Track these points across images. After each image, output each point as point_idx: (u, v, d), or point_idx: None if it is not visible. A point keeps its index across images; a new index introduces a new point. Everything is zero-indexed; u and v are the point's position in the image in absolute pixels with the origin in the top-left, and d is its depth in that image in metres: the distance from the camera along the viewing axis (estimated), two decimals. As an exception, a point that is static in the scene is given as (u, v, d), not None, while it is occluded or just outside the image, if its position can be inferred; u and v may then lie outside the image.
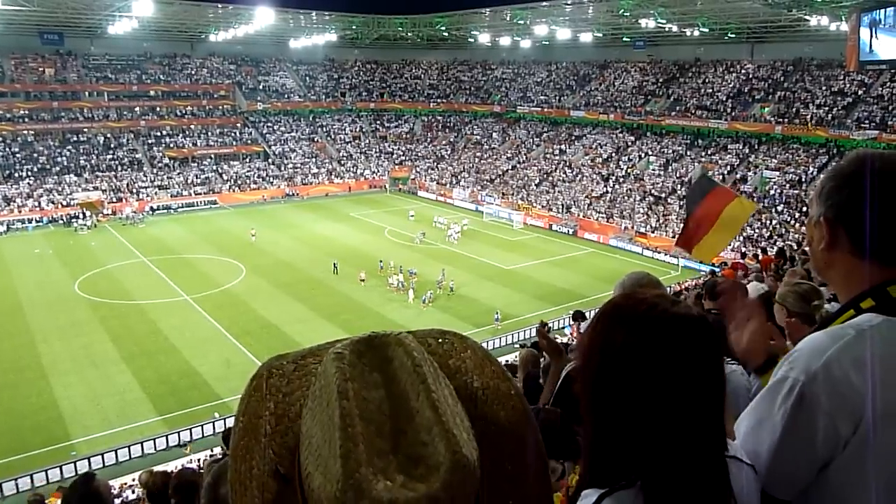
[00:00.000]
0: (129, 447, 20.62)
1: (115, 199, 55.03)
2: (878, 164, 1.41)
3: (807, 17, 43.19)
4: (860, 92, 47.15)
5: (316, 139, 71.31)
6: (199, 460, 18.06)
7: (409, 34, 72.63)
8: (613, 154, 58.14)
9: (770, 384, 1.41)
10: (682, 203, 47.99)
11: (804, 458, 1.34)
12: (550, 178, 58.70)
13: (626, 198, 51.81)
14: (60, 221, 50.64)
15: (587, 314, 15.51)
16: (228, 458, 0.89)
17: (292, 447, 0.85)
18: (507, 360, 17.60)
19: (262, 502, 0.83)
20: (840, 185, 1.44)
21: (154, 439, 21.16)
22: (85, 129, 61.25)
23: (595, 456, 1.21)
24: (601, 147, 59.74)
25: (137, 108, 64.53)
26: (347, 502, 0.70)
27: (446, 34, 71.20)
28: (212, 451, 18.55)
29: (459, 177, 65.07)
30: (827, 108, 47.66)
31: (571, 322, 14.02)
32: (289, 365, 0.91)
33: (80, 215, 50.99)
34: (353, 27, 69.47)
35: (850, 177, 1.43)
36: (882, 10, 32.83)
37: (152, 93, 65.84)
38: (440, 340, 0.95)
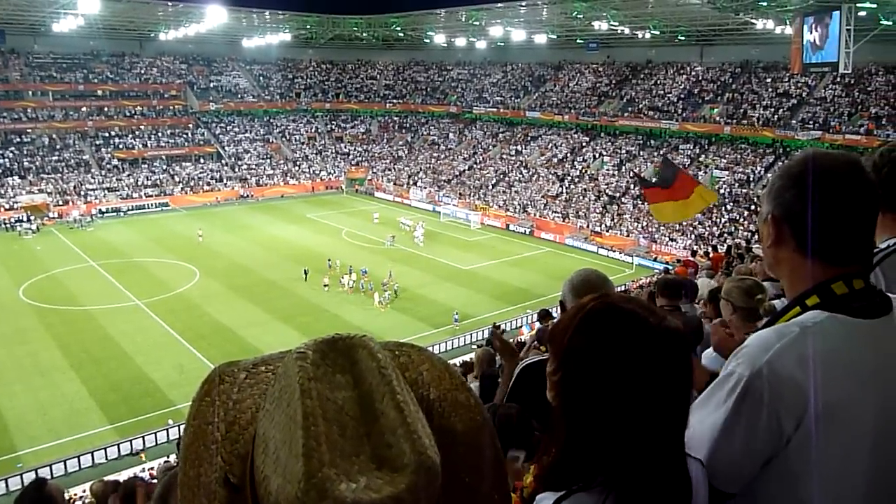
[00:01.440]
0: (78, 457, 19.97)
1: (61, 202, 53.30)
2: (821, 163, 1.44)
3: (753, 21, 44.36)
4: (804, 94, 48.73)
5: (271, 140, 70.34)
6: (149, 469, 17.63)
7: (365, 34, 72.21)
8: (568, 154, 58.83)
9: (717, 380, 1.44)
10: (636, 202, 48.91)
11: (748, 452, 1.37)
12: (507, 179, 59.10)
13: (581, 197, 52.50)
14: (3, 226, 48.78)
15: (553, 312, 15.61)
16: (179, 461, 0.88)
17: (243, 455, 0.83)
18: (464, 360, 17.66)
19: None
20: (787, 185, 1.47)
21: (105, 448, 20.55)
22: (29, 130, 59.19)
23: (563, 459, 1.22)
24: (556, 147, 60.40)
25: (84, 108, 62.62)
26: (309, 502, 0.68)
27: (402, 35, 71.02)
28: (167, 458, 18.12)
29: (416, 177, 65.01)
30: (773, 110, 49.10)
31: (538, 320, 14.21)
32: (240, 372, 0.89)
33: (25, 219, 49.28)
34: (308, 27, 68.71)
35: (796, 177, 1.46)
36: (824, 14, 33.96)
37: (100, 92, 63.97)
38: (397, 353, 0.93)
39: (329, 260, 38.44)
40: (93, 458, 20.14)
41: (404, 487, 0.70)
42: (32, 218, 49.56)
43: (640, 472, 1.15)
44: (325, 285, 35.33)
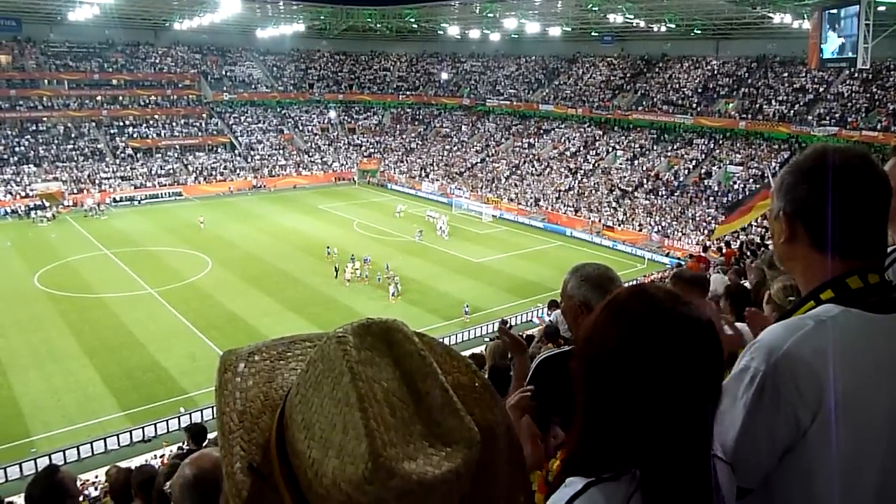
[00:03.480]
0: (91, 443, 20.21)
1: (75, 191, 53.75)
2: (836, 158, 1.43)
3: (770, 15, 43.89)
4: (821, 89, 48.19)
5: (283, 130, 70.52)
6: (160, 456, 17.80)
7: (378, 25, 72.07)
8: (581, 148, 58.58)
9: (732, 374, 1.43)
10: (648, 196, 48.67)
11: (765, 446, 1.37)
12: (519, 172, 58.93)
13: (593, 191, 52.28)
14: (18, 213, 49.29)
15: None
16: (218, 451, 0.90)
17: (262, 444, 0.84)
18: (474, 353, 17.69)
19: (240, 499, 0.82)
20: (799, 181, 1.46)
21: (117, 435, 20.77)
22: (44, 119, 59.65)
23: (585, 445, 1.20)
24: (569, 141, 60.13)
25: (99, 97, 62.99)
26: (376, 482, 0.69)
27: (415, 26, 70.80)
28: (181, 446, 18.29)
29: (428, 169, 64.96)
30: (789, 105, 48.61)
31: (547, 311, 14.24)
32: (239, 362, 0.91)
33: (40, 206, 49.72)
34: (322, 17, 68.66)
35: (808, 172, 1.45)
36: (843, 9, 33.53)
37: (115, 81, 64.27)
38: None
39: (328, 248, 38.58)
40: (105, 445, 20.36)
41: (461, 461, 0.74)
42: (48, 206, 50.02)
43: (665, 465, 1.12)
44: (348, 280, 35.06)
